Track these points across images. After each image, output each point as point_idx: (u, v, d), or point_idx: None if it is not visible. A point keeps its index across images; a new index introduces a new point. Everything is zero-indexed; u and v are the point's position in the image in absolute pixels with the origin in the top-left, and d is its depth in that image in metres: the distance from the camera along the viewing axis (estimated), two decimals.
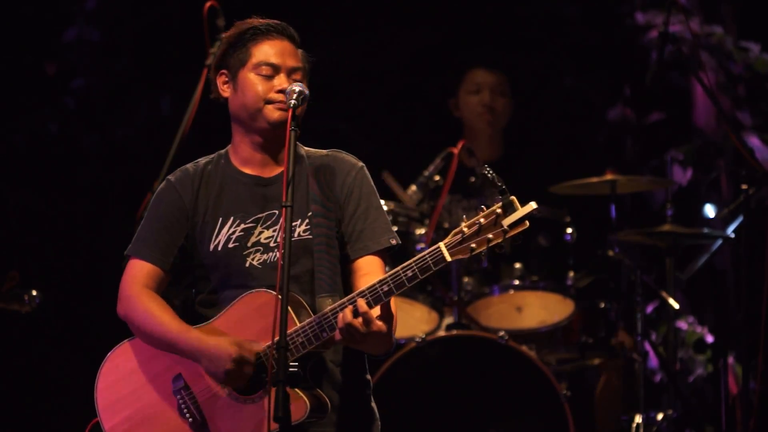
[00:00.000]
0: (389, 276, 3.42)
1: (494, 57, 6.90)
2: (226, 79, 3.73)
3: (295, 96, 3.57)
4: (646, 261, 7.01)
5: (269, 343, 3.43)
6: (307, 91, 3.60)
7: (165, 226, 3.71)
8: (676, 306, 6.15)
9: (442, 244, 3.38)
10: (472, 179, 6.33)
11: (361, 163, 3.74)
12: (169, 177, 3.77)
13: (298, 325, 3.50)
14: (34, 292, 5.42)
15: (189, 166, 3.79)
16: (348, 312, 3.39)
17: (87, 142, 7.53)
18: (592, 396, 6.33)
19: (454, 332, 5.86)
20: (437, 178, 6.24)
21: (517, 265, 6.16)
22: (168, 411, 3.62)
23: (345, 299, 3.45)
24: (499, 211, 3.33)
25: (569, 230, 6.19)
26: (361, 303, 3.39)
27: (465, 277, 6.14)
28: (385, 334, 3.43)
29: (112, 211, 7.33)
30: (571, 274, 6.16)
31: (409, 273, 3.40)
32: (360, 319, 3.38)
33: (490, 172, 3.34)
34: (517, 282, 6.14)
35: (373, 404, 3.74)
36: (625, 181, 6.25)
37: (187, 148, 5.38)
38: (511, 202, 3.33)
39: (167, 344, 3.63)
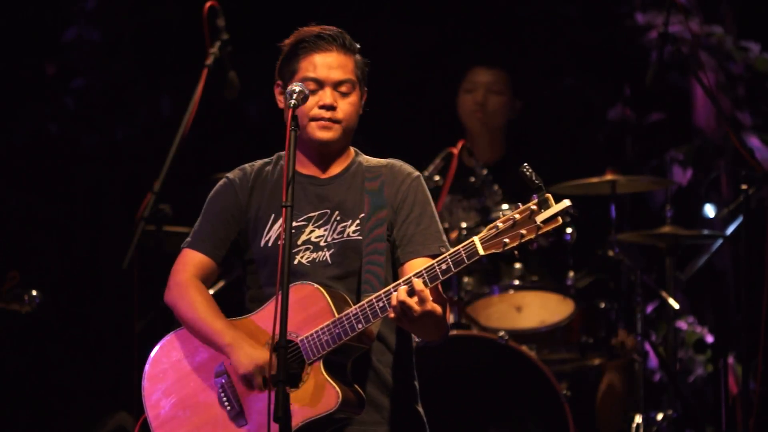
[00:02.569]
0: (424, 269, 3.47)
1: (492, 54, 6.88)
2: (281, 90, 3.78)
3: (294, 96, 3.58)
4: (646, 261, 7.02)
5: (307, 333, 3.53)
6: (307, 91, 3.62)
7: (220, 221, 3.78)
8: (676, 306, 6.15)
9: (476, 238, 3.43)
10: (472, 179, 6.33)
11: (417, 173, 3.80)
12: (228, 175, 3.83)
13: (337, 315, 3.54)
14: (34, 292, 5.42)
15: (246, 165, 3.85)
16: (403, 290, 3.44)
17: (87, 142, 7.54)
18: (592, 396, 6.33)
19: (454, 332, 5.86)
20: (437, 178, 6.24)
21: (517, 265, 6.16)
22: (208, 399, 3.67)
23: (400, 280, 3.50)
24: (534, 207, 3.39)
25: (569, 230, 6.18)
26: (417, 282, 3.43)
27: (465, 277, 6.14)
28: (439, 317, 3.49)
29: (112, 211, 7.33)
30: (571, 274, 6.16)
31: (443, 266, 3.46)
32: (415, 298, 3.42)
33: (528, 169, 3.38)
34: (517, 282, 6.14)
35: (421, 410, 3.77)
36: (625, 181, 6.25)
37: (187, 148, 5.38)
38: (546, 199, 3.39)
39: (205, 339, 3.68)
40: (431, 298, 3.45)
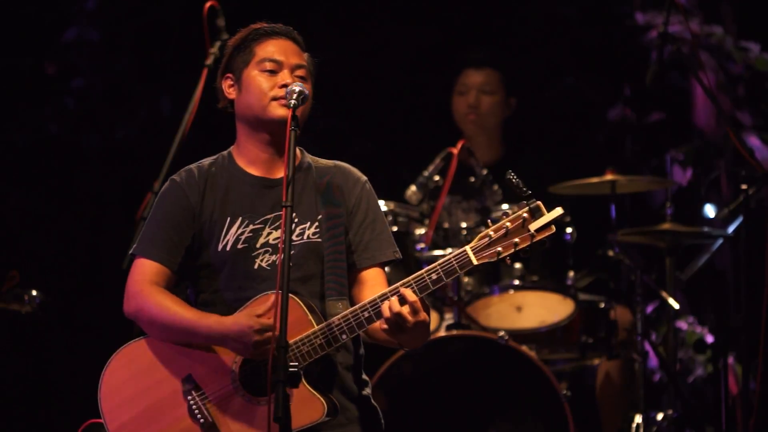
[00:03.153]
0: (412, 278, 3.44)
1: (484, 54, 6.87)
2: (231, 82, 3.75)
3: (294, 96, 3.58)
4: (646, 261, 7.01)
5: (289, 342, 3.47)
6: (307, 92, 3.61)
7: (172, 226, 3.70)
8: (676, 306, 6.15)
9: (468, 248, 3.40)
10: (472, 179, 6.33)
11: (365, 177, 3.77)
12: (174, 177, 3.76)
13: (317, 327, 3.51)
14: (34, 292, 5.42)
15: (192, 166, 3.78)
16: (395, 301, 3.40)
17: (87, 142, 7.53)
18: (593, 396, 6.33)
19: (454, 332, 5.86)
20: (437, 178, 6.24)
21: (517, 265, 6.16)
22: (177, 412, 3.62)
23: (387, 290, 3.46)
24: (525, 215, 3.36)
25: (569, 230, 6.18)
26: (409, 292, 3.40)
27: (465, 277, 6.14)
28: (427, 325, 3.47)
29: (112, 211, 7.33)
30: (571, 274, 6.16)
31: (434, 276, 3.44)
32: (408, 308, 3.39)
33: (514, 177, 3.36)
34: (517, 282, 6.13)
35: (374, 402, 3.76)
36: (625, 181, 6.25)
37: (187, 148, 5.38)
38: (538, 207, 3.37)
39: (185, 333, 3.61)
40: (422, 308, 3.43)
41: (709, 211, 7.39)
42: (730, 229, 6.33)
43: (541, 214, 3.36)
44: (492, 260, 3.39)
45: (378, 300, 3.46)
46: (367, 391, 3.74)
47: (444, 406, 5.76)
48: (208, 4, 5.40)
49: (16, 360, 7.07)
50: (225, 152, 3.80)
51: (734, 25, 7.62)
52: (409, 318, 3.40)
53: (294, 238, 3.66)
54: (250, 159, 3.74)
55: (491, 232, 3.39)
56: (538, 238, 3.36)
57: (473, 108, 6.71)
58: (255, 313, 3.54)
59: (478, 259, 3.40)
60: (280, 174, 3.71)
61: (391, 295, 3.44)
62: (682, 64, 6.22)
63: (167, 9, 7.44)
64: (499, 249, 3.38)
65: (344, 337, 3.49)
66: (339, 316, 3.50)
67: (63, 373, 7.09)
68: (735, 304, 7.07)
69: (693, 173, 7.50)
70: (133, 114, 7.56)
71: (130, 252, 3.74)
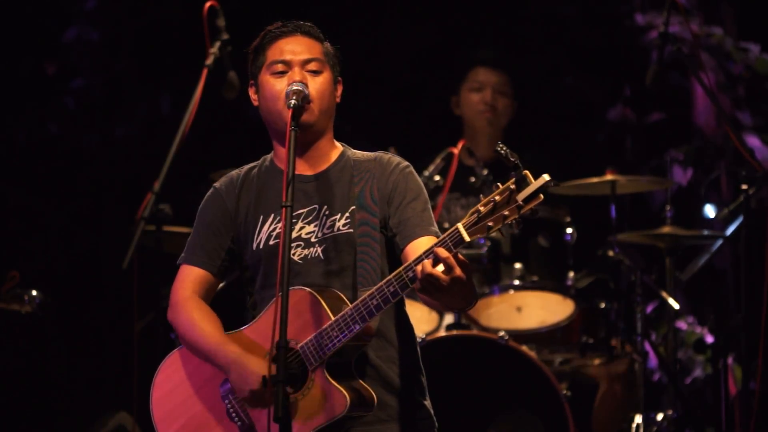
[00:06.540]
0: (412, 261, 3.39)
1: (498, 57, 6.90)
2: (255, 89, 3.76)
3: (294, 96, 3.58)
4: (646, 261, 7.02)
5: (306, 340, 3.48)
6: (306, 91, 3.61)
7: (212, 232, 3.74)
8: (676, 306, 6.15)
9: (460, 225, 3.33)
10: (472, 179, 6.34)
11: (407, 163, 3.73)
12: (215, 184, 3.80)
13: (333, 318, 3.49)
14: (34, 292, 5.42)
15: (234, 172, 3.81)
16: (428, 263, 3.33)
17: (87, 142, 7.54)
18: (593, 396, 6.33)
19: (454, 332, 5.86)
20: (437, 177, 6.24)
21: (517, 265, 6.16)
22: (218, 416, 3.64)
23: (400, 269, 3.40)
24: (512, 186, 3.28)
25: (569, 230, 6.19)
26: (440, 250, 3.32)
27: None
28: (467, 283, 3.37)
29: (112, 211, 7.33)
30: (571, 274, 6.16)
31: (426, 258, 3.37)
32: (441, 267, 3.31)
33: (503, 148, 3.31)
34: (517, 282, 6.14)
35: (428, 404, 3.74)
36: (625, 181, 6.25)
37: (187, 148, 5.38)
38: (525, 177, 3.28)
39: (204, 355, 3.64)
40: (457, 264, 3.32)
41: (709, 211, 7.40)
42: (730, 229, 6.33)
43: (528, 184, 3.28)
44: (483, 235, 3.32)
45: (383, 286, 3.42)
46: (422, 393, 3.71)
47: (444, 406, 5.74)
48: (208, 4, 5.40)
49: (16, 360, 7.07)
50: (268, 155, 3.81)
51: (734, 25, 7.63)
52: (443, 277, 3.31)
53: (325, 231, 3.66)
54: (282, 158, 3.73)
55: (480, 207, 3.31)
56: (527, 208, 3.27)
57: (490, 106, 6.72)
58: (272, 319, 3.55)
59: (469, 235, 3.32)
60: (313, 170, 3.72)
61: (414, 264, 3.37)
62: (682, 64, 6.22)
63: (167, 9, 7.44)
64: (490, 224, 3.30)
65: (357, 327, 3.45)
66: (352, 306, 3.48)
67: (63, 373, 7.09)
68: (735, 304, 7.07)
69: (693, 173, 7.51)
70: (133, 114, 7.56)
71: (177, 262, 3.79)
